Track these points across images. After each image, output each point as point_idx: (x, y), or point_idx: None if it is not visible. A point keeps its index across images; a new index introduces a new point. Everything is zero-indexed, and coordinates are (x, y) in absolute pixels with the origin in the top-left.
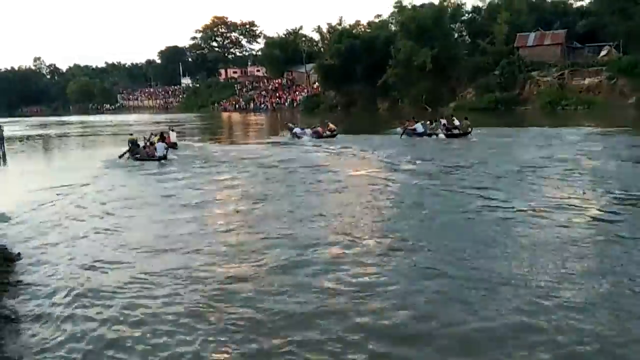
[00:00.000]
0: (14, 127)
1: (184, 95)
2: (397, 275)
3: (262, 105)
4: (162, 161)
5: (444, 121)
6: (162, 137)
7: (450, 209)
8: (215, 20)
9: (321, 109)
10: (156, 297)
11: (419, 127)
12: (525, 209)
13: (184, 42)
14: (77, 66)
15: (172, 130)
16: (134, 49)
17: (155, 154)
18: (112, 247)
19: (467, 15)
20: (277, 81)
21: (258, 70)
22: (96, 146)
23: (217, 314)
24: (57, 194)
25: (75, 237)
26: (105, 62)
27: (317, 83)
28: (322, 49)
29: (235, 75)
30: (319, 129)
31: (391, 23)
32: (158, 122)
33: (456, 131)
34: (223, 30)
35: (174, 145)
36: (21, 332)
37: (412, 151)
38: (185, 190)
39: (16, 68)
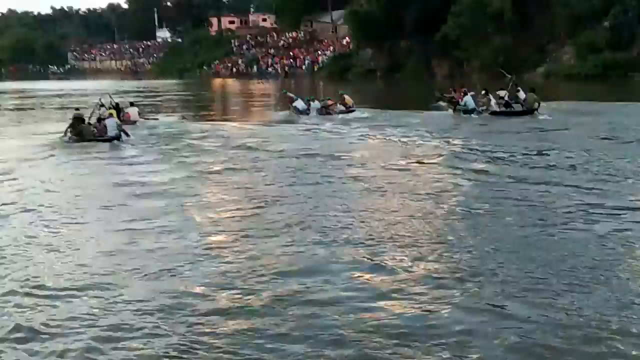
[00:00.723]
0: None
1: (161, 55)
2: (456, 315)
3: (270, 69)
4: (116, 142)
5: (503, 93)
6: (118, 111)
7: (528, 220)
8: None
9: (353, 74)
10: (123, 338)
11: (469, 101)
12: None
13: None
14: (12, 12)
15: (133, 105)
16: None
17: (107, 133)
18: (58, 268)
19: None
20: (291, 35)
21: (264, 20)
22: (38, 124)
23: None
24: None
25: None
26: (52, 7)
27: (347, 38)
28: None
29: (233, 27)
30: (330, 102)
31: None
32: (126, 92)
33: (518, 107)
34: None
35: (133, 123)
36: None
37: (470, 135)
38: (155, 184)
39: None
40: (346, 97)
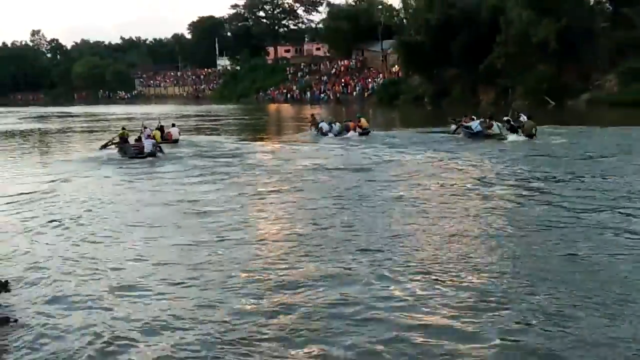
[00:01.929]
0: (3, 119)
1: (220, 82)
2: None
3: (322, 95)
4: (151, 158)
5: (506, 118)
6: (162, 132)
7: (567, 242)
8: None
9: (402, 101)
10: (178, 344)
11: (475, 125)
12: None
13: (222, 11)
14: (85, 42)
15: (174, 125)
16: (157, 20)
17: (144, 150)
18: (112, 263)
19: None
20: (343, 63)
21: (318, 49)
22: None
23: None
24: (45, 203)
25: (72, 254)
26: (121, 38)
27: (397, 66)
28: (405, 20)
29: (288, 55)
30: (350, 123)
31: None
32: (188, 116)
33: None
34: None
35: (175, 142)
36: None
37: (503, 158)
38: (204, 201)
39: (9, 44)
40: (362, 120)
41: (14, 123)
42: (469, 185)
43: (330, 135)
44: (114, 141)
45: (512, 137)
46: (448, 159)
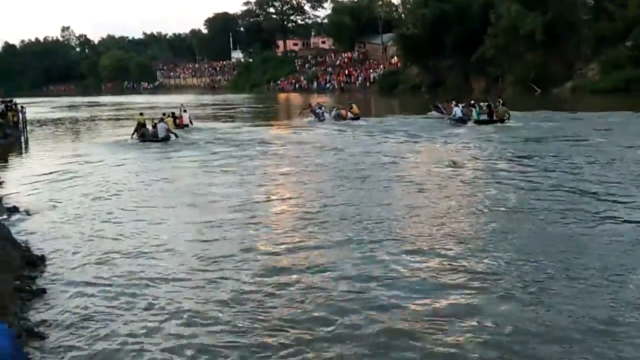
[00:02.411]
0: (38, 109)
1: (234, 73)
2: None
3: (328, 85)
4: (165, 142)
5: (485, 104)
6: (175, 118)
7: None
8: None
9: (401, 89)
10: (212, 322)
11: (457, 111)
12: None
13: (236, 8)
14: (111, 37)
15: (185, 111)
16: (176, 17)
17: (158, 135)
18: (142, 243)
19: None
20: (346, 55)
21: (323, 42)
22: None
23: None
24: (75, 184)
25: (100, 234)
26: (144, 33)
27: (396, 57)
28: (403, 15)
29: (296, 48)
30: (342, 111)
31: None
32: (205, 105)
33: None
34: None
35: (186, 126)
36: (48, 349)
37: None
38: (218, 185)
39: (41, 40)
40: (354, 106)
41: (47, 112)
42: (445, 167)
43: (326, 120)
44: (135, 130)
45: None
46: (431, 142)
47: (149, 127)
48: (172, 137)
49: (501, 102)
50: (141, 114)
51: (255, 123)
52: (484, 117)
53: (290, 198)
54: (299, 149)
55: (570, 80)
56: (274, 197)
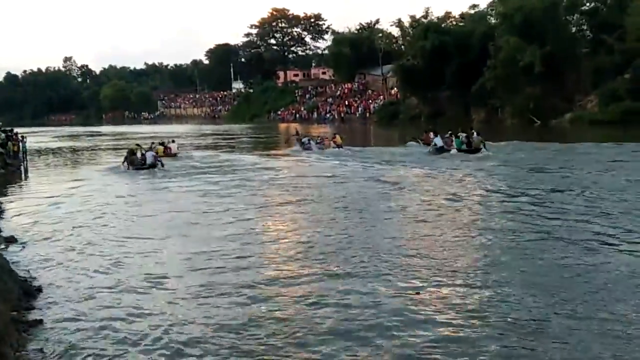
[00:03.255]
0: (39, 138)
1: (235, 103)
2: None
3: (328, 115)
4: (153, 169)
5: (463, 135)
6: (164, 147)
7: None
8: (274, 13)
9: (400, 120)
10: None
11: (437, 141)
12: None
13: (237, 39)
14: (112, 67)
15: (173, 142)
16: (178, 48)
17: (146, 162)
18: (136, 275)
19: (588, 4)
20: (346, 86)
21: (324, 73)
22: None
23: None
24: (72, 214)
25: (96, 266)
26: (145, 64)
27: (395, 88)
28: (403, 47)
29: (296, 79)
30: (326, 140)
31: (490, 15)
32: (206, 135)
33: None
34: (283, 24)
35: (174, 155)
36: None
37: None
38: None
39: (44, 70)
40: (337, 137)
41: (48, 141)
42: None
43: (311, 149)
44: (125, 155)
45: (453, 151)
46: (416, 170)
47: (139, 155)
48: (159, 164)
49: (475, 132)
50: (137, 144)
51: (252, 152)
52: (464, 146)
53: (284, 225)
54: (297, 177)
55: (569, 112)
56: (255, 220)
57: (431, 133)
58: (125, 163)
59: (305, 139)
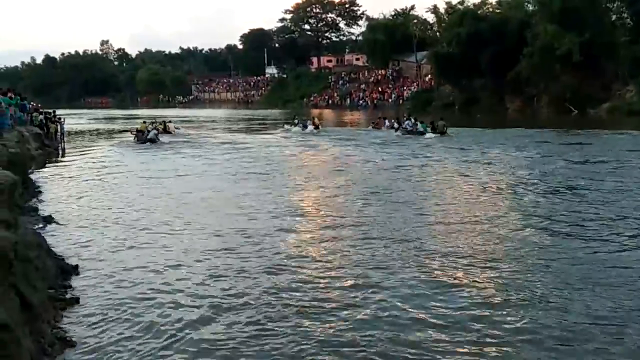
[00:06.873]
0: (76, 120)
1: (268, 88)
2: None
3: (361, 101)
4: (153, 142)
5: (428, 121)
6: (165, 126)
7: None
8: None
9: (434, 107)
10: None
11: (408, 124)
12: None
13: (271, 24)
14: (148, 51)
15: (170, 122)
16: (213, 32)
17: (148, 137)
18: (172, 253)
19: None
20: (380, 72)
21: (357, 59)
22: None
23: None
24: (107, 192)
25: (131, 243)
26: (180, 48)
27: (429, 76)
28: (438, 33)
29: (330, 65)
30: (316, 122)
31: (527, 2)
32: (240, 120)
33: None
34: (317, 10)
35: (171, 133)
36: (79, 358)
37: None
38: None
39: (81, 52)
40: (316, 119)
41: (85, 123)
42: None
43: (307, 130)
44: (132, 132)
45: (429, 134)
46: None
47: (145, 132)
48: (159, 140)
49: (440, 118)
50: (144, 121)
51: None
52: (429, 129)
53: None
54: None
55: (607, 102)
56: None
57: (385, 119)
58: (135, 138)
59: (303, 122)
